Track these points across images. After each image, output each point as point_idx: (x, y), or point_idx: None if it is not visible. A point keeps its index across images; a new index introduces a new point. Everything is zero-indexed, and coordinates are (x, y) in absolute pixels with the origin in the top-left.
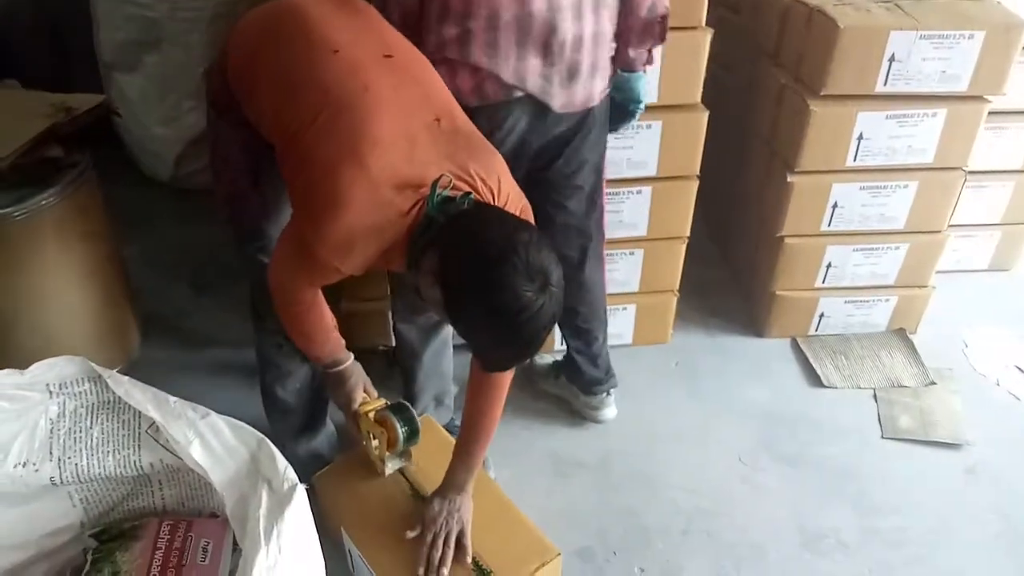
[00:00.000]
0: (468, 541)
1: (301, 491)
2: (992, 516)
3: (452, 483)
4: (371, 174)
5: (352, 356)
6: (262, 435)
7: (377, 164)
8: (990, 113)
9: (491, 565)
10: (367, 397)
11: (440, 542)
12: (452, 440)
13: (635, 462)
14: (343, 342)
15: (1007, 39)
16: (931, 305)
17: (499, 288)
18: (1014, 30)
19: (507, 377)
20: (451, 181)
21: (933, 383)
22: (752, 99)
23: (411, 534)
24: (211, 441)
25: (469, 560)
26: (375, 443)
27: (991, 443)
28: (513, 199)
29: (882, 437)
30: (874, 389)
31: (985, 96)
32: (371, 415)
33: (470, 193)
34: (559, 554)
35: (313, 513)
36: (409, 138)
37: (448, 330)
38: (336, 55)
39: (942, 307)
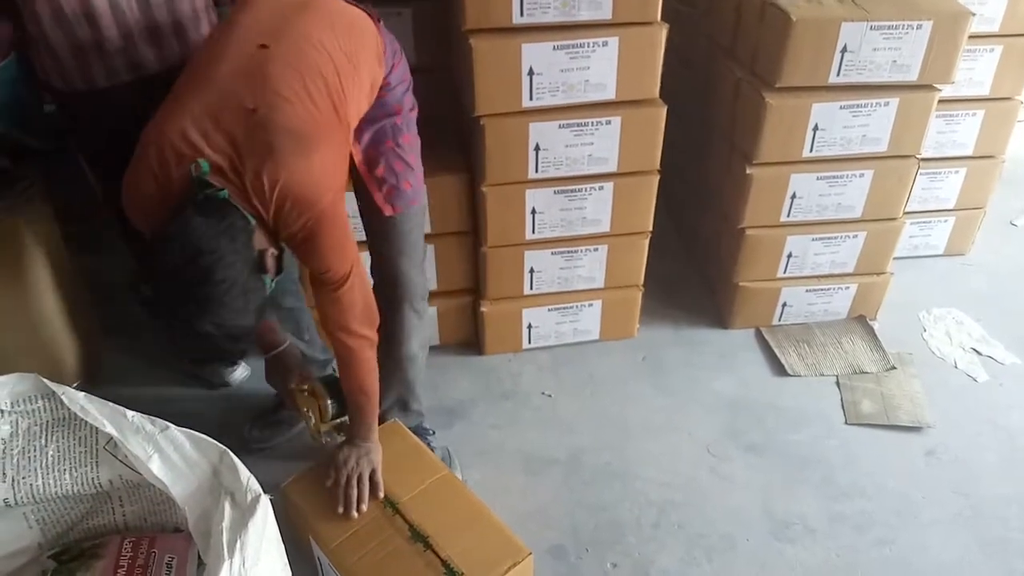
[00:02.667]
0: (380, 479)
1: (265, 502)
2: (952, 495)
3: (354, 434)
4: (160, 137)
5: (288, 340)
6: (224, 447)
7: (170, 128)
8: (941, 101)
9: (462, 567)
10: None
11: (354, 481)
12: (420, 445)
13: (605, 457)
14: (277, 326)
15: (954, 28)
16: (890, 291)
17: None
18: (960, 19)
19: (349, 350)
20: (205, 169)
21: (893, 368)
22: (710, 93)
23: (329, 482)
24: (171, 455)
25: (381, 495)
26: (312, 419)
27: (950, 424)
28: (289, 214)
29: (846, 423)
30: (837, 376)
31: (935, 85)
32: (303, 390)
33: (223, 190)
34: (530, 554)
35: (281, 522)
36: (213, 116)
37: (416, 342)
38: (225, 38)
39: (900, 293)
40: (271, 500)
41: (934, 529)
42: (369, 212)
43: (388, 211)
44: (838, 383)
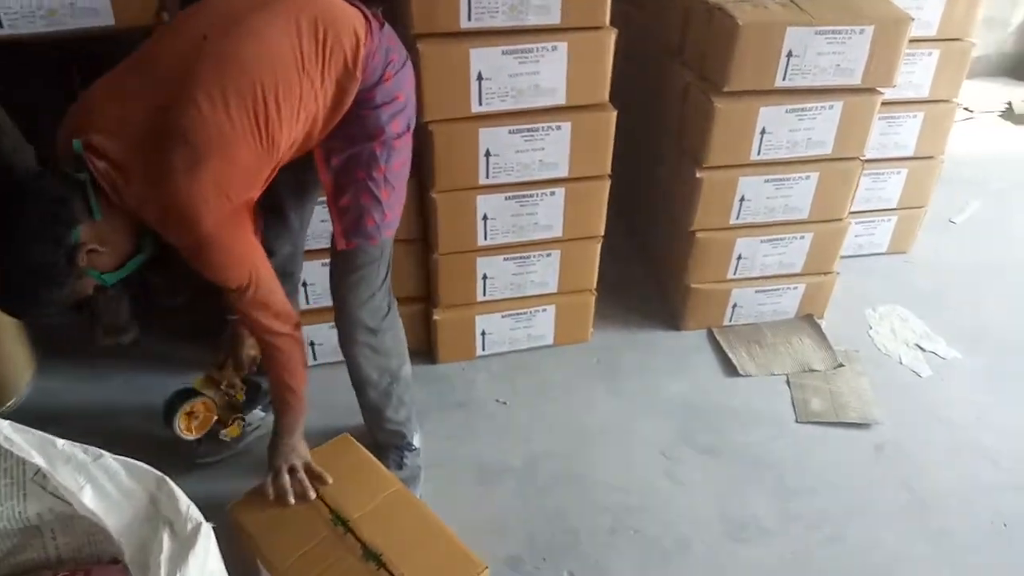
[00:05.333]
0: (317, 469)
1: (207, 532)
2: (901, 489)
3: (279, 430)
4: (85, 98)
5: None
6: (161, 474)
7: (82, 106)
8: (882, 103)
9: None
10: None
11: (284, 473)
12: (371, 459)
13: (560, 463)
14: None
15: (895, 32)
16: (836, 290)
17: None
18: (901, 24)
19: (272, 347)
20: (77, 148)
21: (841, 365)
22: (659, 96)
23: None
24: (105, 485)
25: (331, 481)
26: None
27: (897, 420)
28: (170, 229)
29: (796, 421)
30: (787, 375)
31: (877, 88)
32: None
33: (86, 173)
34: (486, 568)
35: (228, 543)
36: (120, 102)
37: (371, 369)
38: (194, 13)
39: (847, 291)
40: (214, 528)
41: (883, 523)
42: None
43: (341, 244)
44: (788, 382)
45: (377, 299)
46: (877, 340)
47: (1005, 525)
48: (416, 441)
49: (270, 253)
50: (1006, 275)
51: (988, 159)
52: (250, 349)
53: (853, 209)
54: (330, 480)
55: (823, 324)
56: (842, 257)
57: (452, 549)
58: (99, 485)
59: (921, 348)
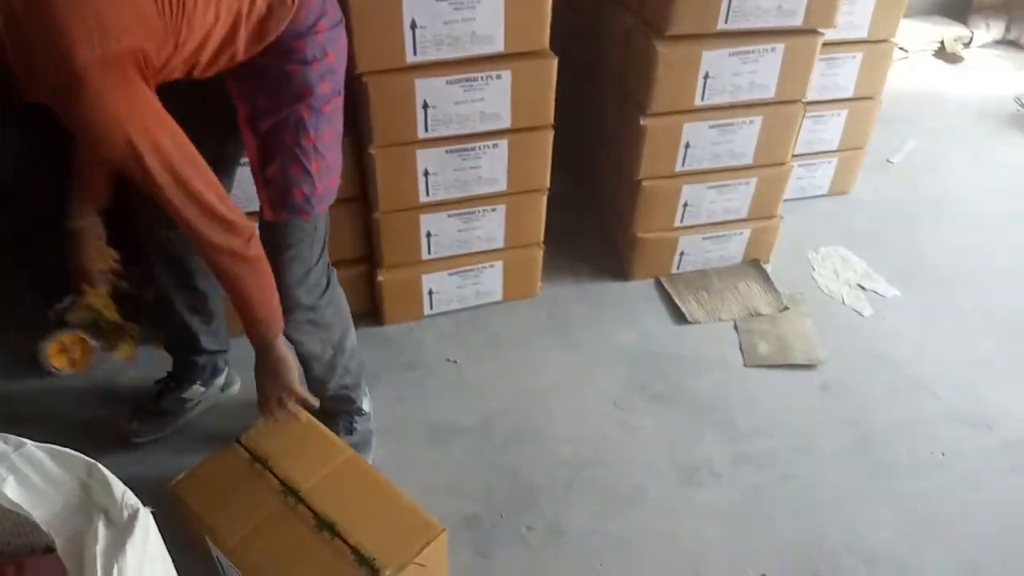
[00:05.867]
0: (302, 393)
1: (145, 517)
2: (846, 427)
3: (256, 350)
4: None
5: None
6: (92, 460)
7: None
8: (823, 45)
9: (373, 552)
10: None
11: (274, 410)
12: (320, 427)
13: (514, 420)
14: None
15: None
16: (781, 234)
17: None
18: None
19: (221, 271)
20: None
21: (787, 308)
22: (600, 41)
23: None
24: (29, 475)
25: (316, 404)
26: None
27: (841, 359)
28: (32, 52)
29: (744, 365)
30: (734, 320)
31: (818, 29)
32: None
33: None
34: (443, 531)
35: (173, 523)
36: None
37: (314, 343)
38: None
39: (790, 234)
40: (154, 512)
41: (830, 460)
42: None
43: (268, 215)
44: (736, 327)
45: (313, 276)
46: (820, 281)
47: (943, 455)
48: (366, 405)
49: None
50: (942, 211)
51: (923, 98)
52: (93, 261)
53: (795, 152)
54: (315, 402)
55: (769, 268)
56: (785, 201)
57: (408, 513)
58: (23, 476)
59: (862, 288)
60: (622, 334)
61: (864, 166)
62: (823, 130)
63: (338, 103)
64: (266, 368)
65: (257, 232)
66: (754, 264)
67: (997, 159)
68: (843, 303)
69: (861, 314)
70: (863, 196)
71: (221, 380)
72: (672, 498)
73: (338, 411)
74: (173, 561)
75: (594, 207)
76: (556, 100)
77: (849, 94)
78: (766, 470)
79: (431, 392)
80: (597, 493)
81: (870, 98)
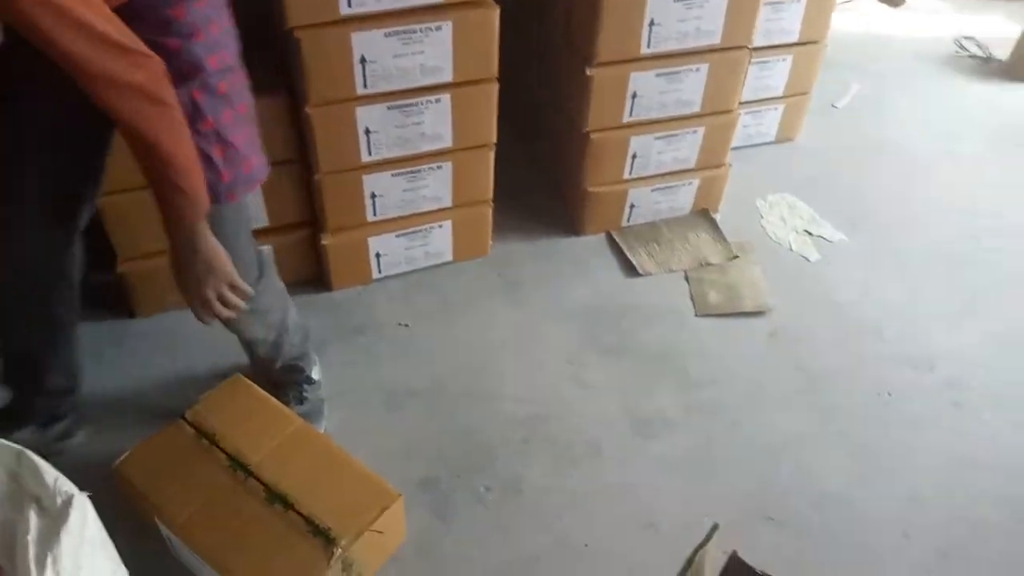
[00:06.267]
0: (241, 284)
1: (81, 502)
2: (794, 372)
3: (179, 242)
4: None
5: None
6: (19, 447)
7: None
8: None
9: (328, 522)
10: None
11: (213, 306)
12: (267, 398)
13: (468, 380)
14: None
15: None
16: (729, 183)
17: None
18: None
19: (116, 105)
20: None
21: (736, 257)
22: None
23: None
24: None
25: (252, 292)
26: None
27: (788, 305)
28: None
29: (695, 315)
30: (685, 270)
31: None
32: None
33: None
34: (399, 495)
35: (120, 504)
36: None
37: (249, 326)
38: None
39: (738, 183)
40: (91, 496)
41: (778, 406)
42: None
43: None
44: (687, 277)
45: (243, 266)
46: (768, 229)
47: (889, 394)
48: (315, 374)
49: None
50: (886, 155)
51: (866, 42)
52: None
53: (742, 100)
54: (251, 291)
55: (718, 217)
56: (733, 149)
57: (362, 480)
58: None
59: (809, 233)
60: (574, 290)
61: (810, 112)
62: (769, 76)
63: (237, 80)
64: (197, 260)
65: (167, 74)
66: (703, 214)
67: (938, 101)
68: (791, 250)
69: (808, 260)
70: (809, 142)
71: (60, 428)
72: (627, 450)
73: (288, 382)
74: (124, 543)
75: (544, 162)
76: (501, 52)
77: (795, 39)
78: (718, 418)
79: (382, 356)
80: (553, 449)
81: (815, 42)
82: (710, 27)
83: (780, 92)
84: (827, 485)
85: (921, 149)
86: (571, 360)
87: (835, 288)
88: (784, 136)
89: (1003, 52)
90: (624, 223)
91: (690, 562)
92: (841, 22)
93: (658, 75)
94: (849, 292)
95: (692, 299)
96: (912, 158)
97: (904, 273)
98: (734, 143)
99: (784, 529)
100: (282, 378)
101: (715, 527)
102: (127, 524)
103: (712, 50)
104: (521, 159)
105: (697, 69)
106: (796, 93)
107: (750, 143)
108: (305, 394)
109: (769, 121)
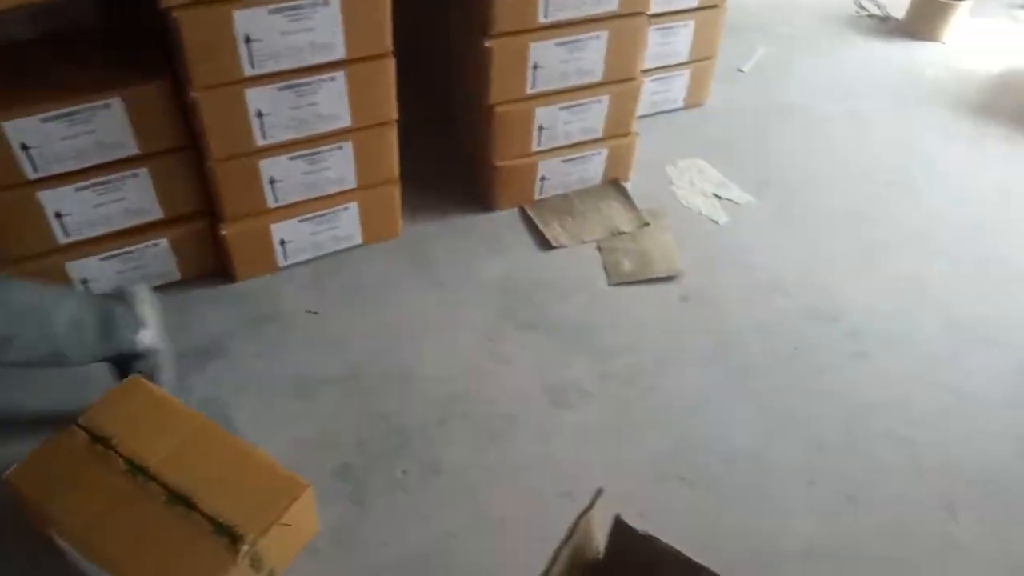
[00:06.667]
0: None
1: None
2: (705, 334)
3: None
4: None
5: None
6: None
7: None
8: None
9: (233, 520)
10: None
11: None
12: (166, 398)
13: (383, 364)
14: None
15: None
16: (639, 150)
17: None
18: None
19: None
20: None
21: (647, 224)
22: None
23: None
24: None
25: None
26: None
27: (698, 268)
28: None
29: (609, 285)
30: (597, 241)
31: None
32: None
33: None
34: (308, 486)
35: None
36: None
37: None
38: None
39: (649, 150)
40: None
41: (693, 369)
42: None
43: None
44: (600, 247)
45: None
46: (679, 194)
47: (796, 348)
48: (145, 339)
49: None
50: (791, 116)
51: (772, 5)
52: None
53: (647, 67)
54: None
55: (629, 186)
56: (642, 116)
57: (268, 473)
58: None
59: (718, 197)
60: (488, 267)
61: (716, 76)
62: (672, 42)
63: None
64: None
65: None
66: (614, 184)
67: (840, 62)
68: (700, 213)
69: (717, 222)
70: (717, 106)
71: None
72: (544, 422)
73: (127, 367)
74: (22, 555)
75: (452, 138)
76: (405, 28)
77: (694, 3)
78: (633, 384)
79: (292, 345)
80: (470, 427)
81: (715, 6)
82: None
83: (685, 58)
84: (736, 441)
85: (825, 109)
86: (487, 337)
87: (743, 249)
88: (693, 102)
89: (900, 11)
90: (537, 196)
91: (573, 529)
92: None
93: (558, 44)
94: (756, 252)
95: (605, 269)
96: (816, 118)
97: (808, 231)
98: (643, 111)
99: (695, 488)
100: (120, 369)
101: (599, 492)
102: (24, 540)
103: (610, 16)
104: (432, 138)
105: (597, 37)
106: (701, 58)
107: (659, 110)
108: (137, 364)
109: (676, 87)
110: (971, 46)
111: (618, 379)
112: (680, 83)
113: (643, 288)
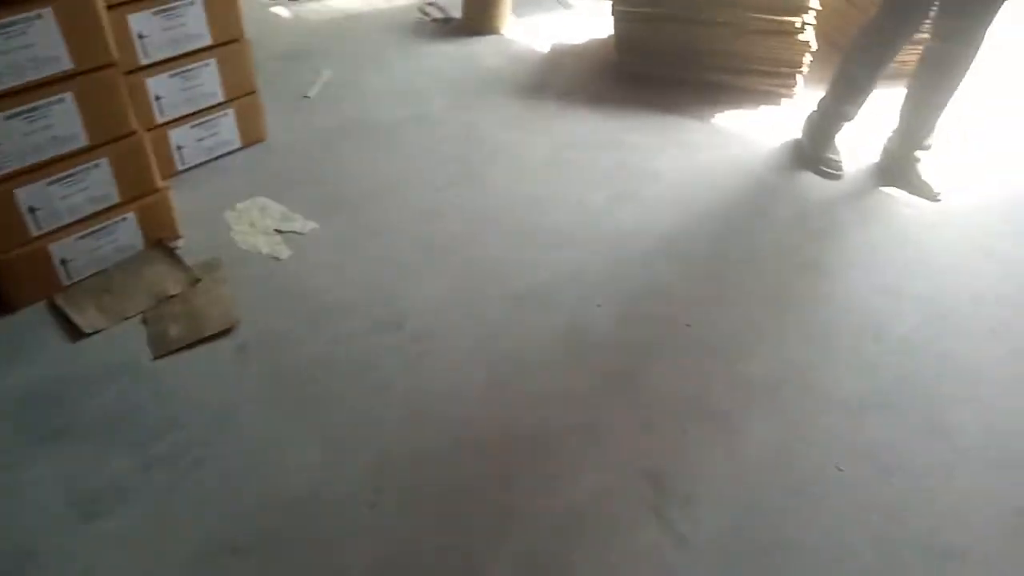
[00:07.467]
0: None
1: None
2: (261, 378)
3: None
4: None
5: None
6: None
7: None
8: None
9: None
10: None
11: None
12: None
13: None
14: None
15: None
16: (191, 203)
17: None
18: None
19: None
20: None
21: (199, 280)
22: None
23: None
24: None
25: None
26: None
27: (258, 312)
28: None
29: (154, 359)
30: (143, 313)
31: None
32: None
33: None
34: None
35: None
36: None
37: None
38: None
39: (206, 200)
40: None
41: (249, 420)
42: None
43: None
44: (145, 320)
45: None
46: (238, 239)
47: (363, 368)
48: None
49: None
50: (362, 132)
51: (335, 26)
52: None
53: (179, 115)
54: None
55: (181, 243)
56: (200, 164)
57: None
58: None
59: (280, 232)
60: (7, 378)
61: (276, 109)
62: (197, 85)
63: None
64: None
65: None
66: (159, 245)
67: (405, 70)
68: (262, 253)
69: (279, 259)
70: (281, 138)
71: None
72: (74, 542)
73: None
74: None
75: None
76: None
77: (207, 42)
78: (179, 462)
79: None
80: None
81: (235, 40)
82: (53, 52)
83: (220, 98)
84: (294, 490)
85: (393, 118)
86: (5, 466)
87: (307, 279)
88: (251, 139)
89: (459, 12)
90: (65, 282)
91: None
92: (310, 13)
93: (7, 118)
94: (322, 279)
95: (150, 341)
96: (385, 129)
97: (374, 243)
98: (198, 158)
99: (249, 557)
100: None
101: None
102: None
103: (69, 76)
104: None
105: (61, 100)
106: (241, 95)
107: (216, 155)
108: None
109: (225, 129)
110: (525, 32)
111: (164, 463)
112: (227, 124)
113: (194, 351)
